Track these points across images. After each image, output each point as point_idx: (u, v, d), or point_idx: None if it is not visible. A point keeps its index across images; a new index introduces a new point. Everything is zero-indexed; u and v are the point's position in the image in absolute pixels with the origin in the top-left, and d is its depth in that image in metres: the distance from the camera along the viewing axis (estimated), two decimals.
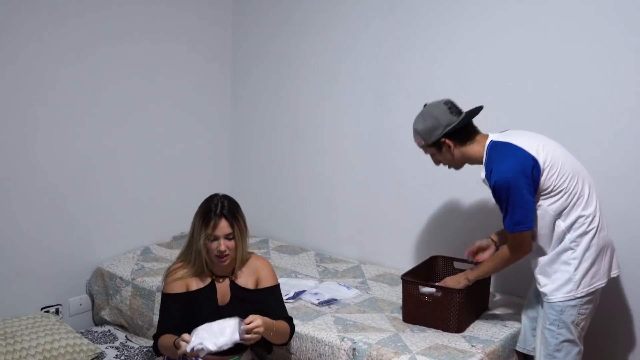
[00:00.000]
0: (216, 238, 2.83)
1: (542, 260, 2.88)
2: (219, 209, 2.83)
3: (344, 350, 2.93)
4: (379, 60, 3.87)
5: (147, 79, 4.14)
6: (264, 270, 3.01)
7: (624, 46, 3.06)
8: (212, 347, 2.58)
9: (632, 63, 3.05)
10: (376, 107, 3.93)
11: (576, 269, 2.80)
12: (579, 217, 2.79)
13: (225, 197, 2.93)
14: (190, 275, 2.93)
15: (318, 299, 3.41)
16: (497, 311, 3.32)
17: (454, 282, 3.08)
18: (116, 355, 3.48)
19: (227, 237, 2.83)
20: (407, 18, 3.74)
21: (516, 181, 2.72)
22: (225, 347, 2.61)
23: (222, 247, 2.82)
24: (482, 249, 3.19)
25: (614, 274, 2.94)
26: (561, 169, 2.77)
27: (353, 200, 4.12)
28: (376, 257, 4.04)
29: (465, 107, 3.00)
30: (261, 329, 2.67)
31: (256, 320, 2.67)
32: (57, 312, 3.82)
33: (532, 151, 2.76)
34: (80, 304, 3.97)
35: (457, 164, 2.98)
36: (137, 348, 3.56)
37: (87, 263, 3.98)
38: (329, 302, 3.40)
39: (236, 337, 2.61)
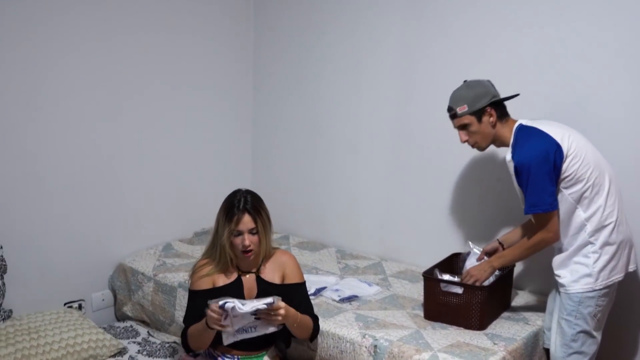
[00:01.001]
0: (240, 233, 2.84)
1: (561, 253, 2.91)
2: (242, 204, 2.84)
3: (365, 347, 2.93)
4: (402, 56, 3.86)
5: (170, 75, 4.17)
6: (290, 265, 3.02)
7: None
8: (239, 304, 2.62)
9: None
10: (399, 103, 3.92)
11: (595, 262, 2.82)
12: (599, 207, 2.82)
13: (249, 192, 2.94)
14: (216, 272, 2.94)
15: (339, 296, 3.41)
16: (520, 309, 3.30)
17: (478, 270, 3.06)
18: (138, 350, 3.50)
19: (250, 231, 2.84)
20: (430, 13, 3.72)
21: (538, 164, 2.77)
22: (249, 310, 2.63)
23: (247, 242, 2.83)
24: (488, 254, 3.23)
25: (631, 268, 2.96)
26: (584, 159, 2.81)
27: (374, 197, 4.11)
28: (397, 254, 4.03)
29: None
30: (283, 312, 2.69)
31: (282, 306, 2.70)
32: (80, 307, 3.85)
33: (557, 138, 2.80)
34: (103, 300, 4.00)
35: (486, 141, 2.99)
36: (159, 343, 3.58)
37: (110, 259, 4.01)
38: (350, 299, 3.39)
39: (261, 306, 2.64)
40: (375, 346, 2.90)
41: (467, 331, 3.02)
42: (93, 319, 3.80)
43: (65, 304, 3.82)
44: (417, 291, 3.47)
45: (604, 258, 2.83)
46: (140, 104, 4.04)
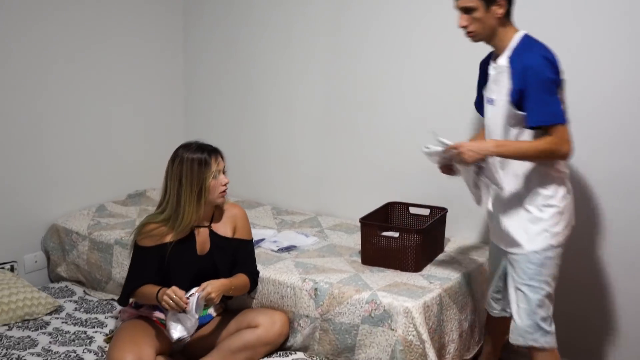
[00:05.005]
0: (223, 172, 2.91)
1: (518, 209, 2.72)
2: (210, 147, 2.91)
3: (306, 290, 2.99)
4: (332, 13, 3.90)
5: (97, 34, 4.09)
6: (241, 219, 3.08)
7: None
8: (186, 333, 2.71)
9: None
10: (330, 60, 3.96)
11: (554, 216, 2.67)
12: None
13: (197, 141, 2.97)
14: (168, 231, 2.90)
15: (277, 246, 3.45)
16: (453, 253, 3.42)
17: (476, 147, 2.62)
18: (75, 308, 3.48)
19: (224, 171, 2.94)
20: None
21: (552, 72, 2.56)
22: (194, 328, 2.74)
23: (227, 179, 2.93)
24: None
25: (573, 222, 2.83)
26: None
27: (308, 154, 4.16)
28: (333, 209, 4.09)
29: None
30: (214, 296, 2.73)
31: (207, 288, 2.73)
32: (12, 269, 3.76)
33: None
34: (36, 261, 3.92)
35: (485, 32, 2.65)
36: (97, 301, 3.56)
37: (42, 220, 3.93)
38: (288, 249, 3.44)
39: (196, 315, 2.72)
40: (316, 289, 2.96)
41: (403, 273, 3.11)
42: (26, 280, 3.72)
43: None
44: (353, 241, 3.54)
45: (565, 214, 2.69)
46: (69, 64, 3.96)
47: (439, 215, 3.39)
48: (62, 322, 3.31)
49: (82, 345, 3.07)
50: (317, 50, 4.01)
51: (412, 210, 3.54)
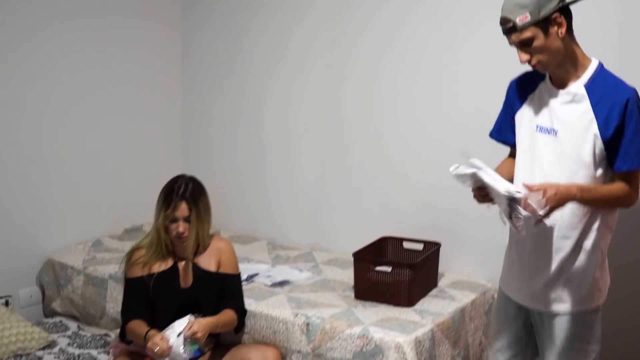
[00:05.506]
0: (175, 219, 2.87)
1: (556, 262, 2.37)
2: (181, 191, 2.88)
3: (298, 325, 2.99)
4: (329, 48, 3.95)
5: (96, 66, 4.13)
6: (226, 252, 3.07)
7: None
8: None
9: None
10: (327, 94, 4.00)
11: (600, 268, 2.39)
12: None
13: (192, 179, 2.98)
14: (152, 259, 2.95)
15: (271, 281, 3.46)
16: (447, 288, 3.41)
17: (565, 189, 2.21)
18: (68, 343, 3.46)
19: (185, 219, 2.88)
20: (355, 5, 3.82)
21: None
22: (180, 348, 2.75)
23: (181, 229, 2.87)
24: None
25: None
26: None
27: (304, 189, 4.17)
28: (329, 243, 4.09)
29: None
30: (199, 335, 2.75)
31: (193, 327, 2.74)
32: (6, 303, 3.76)
33: None
34: (31, 296, 3.92)
35: (555, 59, 2.27)
36: (90, 336, 3.54)
37: (38, 254, 3.93)
38: (281, 284, 3.44)
39: (185, 355, 2.75)
40: (308, 324, 2.96)
41: (396, 307, 3.11)
42: (20, 315, 3.73)
43: None
44: (347, 276, 3.53)
45: (605, 263, 2.41)
46: (68, 95, 3.99)
47: (432, 249, 3.39)
48: (55, 358, 3.29)
49: None
50: (313, 84, 4.05)
51: (406, 244, 3.54)
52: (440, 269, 3.51)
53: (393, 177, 3.80)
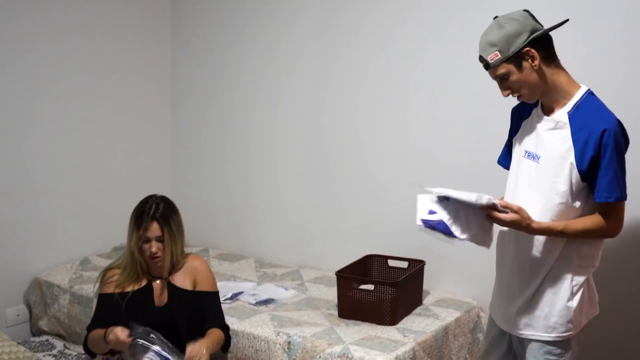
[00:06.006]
0: (147, 240, 2.86)
1: (529, 287, 2.37)
2: (152, 212, 2.87)
3: (280, 344, 2.98)
4: (317, 68, 3.98)
5: (86, 87, 4.17)
6: (201, 271, 3.03)
7: None
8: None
9: None
10: (314, 114, 4.02)
11: (577, 294, 2.35)
12: None
13: (163, 199, 2.96)
14: (127, 280, 2.94)
15: (255, 299, 3.46)
16: (431, 306, 3.40)
17: (523, 214, 2.26)
18: None
19: (158, 239, 2.87)
20: (342, 23, 3.85)
21: (625, 142, 2.27)
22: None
23: (154, 249, 2.86)
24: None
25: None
26: None
27: (292, 207, 4.19)
28: (316, 261, 4.10)
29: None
30: (205, 357, 2.71)
31: (199, 350, 2.70)
32: None
33: None
34: (18, 315, 3.93)
35: (534, 92, 2.31)
36: (76, 355, 3.55)
37: (25, 273, 3.95)
38: (266, 302, 3.44)
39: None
40: (289, 342, 2.96)
41: (379, 326, 3.10)
42: (7, 335, 3.71)
43: None
44: (332, 294, 3.52)
45: (586, 288, 2.36)
46: (56, 113, 4.03)
47: (416, 267, 3.39)
48: None
49: None
50: (300, 106, 4.07)
51: (391, 262, 3.54)
52: (426, 287, 3.51)
53: (379, 196, 3.81)
